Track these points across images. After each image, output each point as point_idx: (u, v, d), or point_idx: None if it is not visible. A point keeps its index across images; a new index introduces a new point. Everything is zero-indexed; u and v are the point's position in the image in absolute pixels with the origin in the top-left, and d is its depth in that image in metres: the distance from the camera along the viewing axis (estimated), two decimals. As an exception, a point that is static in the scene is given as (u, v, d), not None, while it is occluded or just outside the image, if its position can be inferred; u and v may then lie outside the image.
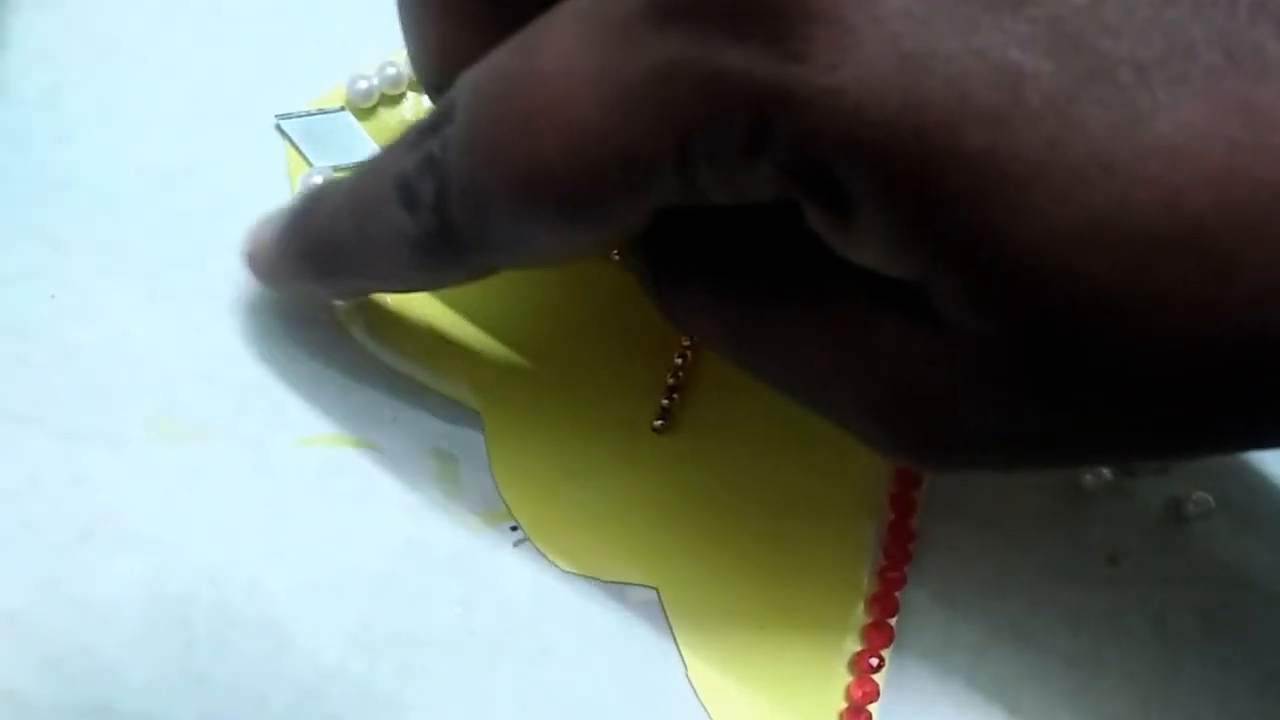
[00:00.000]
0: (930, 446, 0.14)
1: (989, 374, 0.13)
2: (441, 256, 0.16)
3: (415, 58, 0.18)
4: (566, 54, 0.13)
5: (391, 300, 0.20)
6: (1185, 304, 0.12)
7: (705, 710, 0.18)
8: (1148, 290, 0.12)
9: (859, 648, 0.19)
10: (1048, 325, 0.12)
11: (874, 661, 0.19)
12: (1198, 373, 0.12)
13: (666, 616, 0.19)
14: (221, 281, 0.20)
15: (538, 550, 0.19)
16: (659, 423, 0.20)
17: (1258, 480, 0.22)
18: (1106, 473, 0.21)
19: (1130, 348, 0.12)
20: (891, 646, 0.19)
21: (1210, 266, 0.12)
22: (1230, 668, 0.20)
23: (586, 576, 0.19)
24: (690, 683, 0.19)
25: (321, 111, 0.21)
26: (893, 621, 0.19)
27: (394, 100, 0.22)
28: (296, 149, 0.21)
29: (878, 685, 0.19)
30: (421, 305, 0.20)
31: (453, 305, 0.20)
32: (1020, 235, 0.12)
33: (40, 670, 0.17)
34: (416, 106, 0.22)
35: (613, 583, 0.19)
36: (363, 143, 0.21)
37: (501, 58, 0.14)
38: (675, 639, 0.19)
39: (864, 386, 0.14)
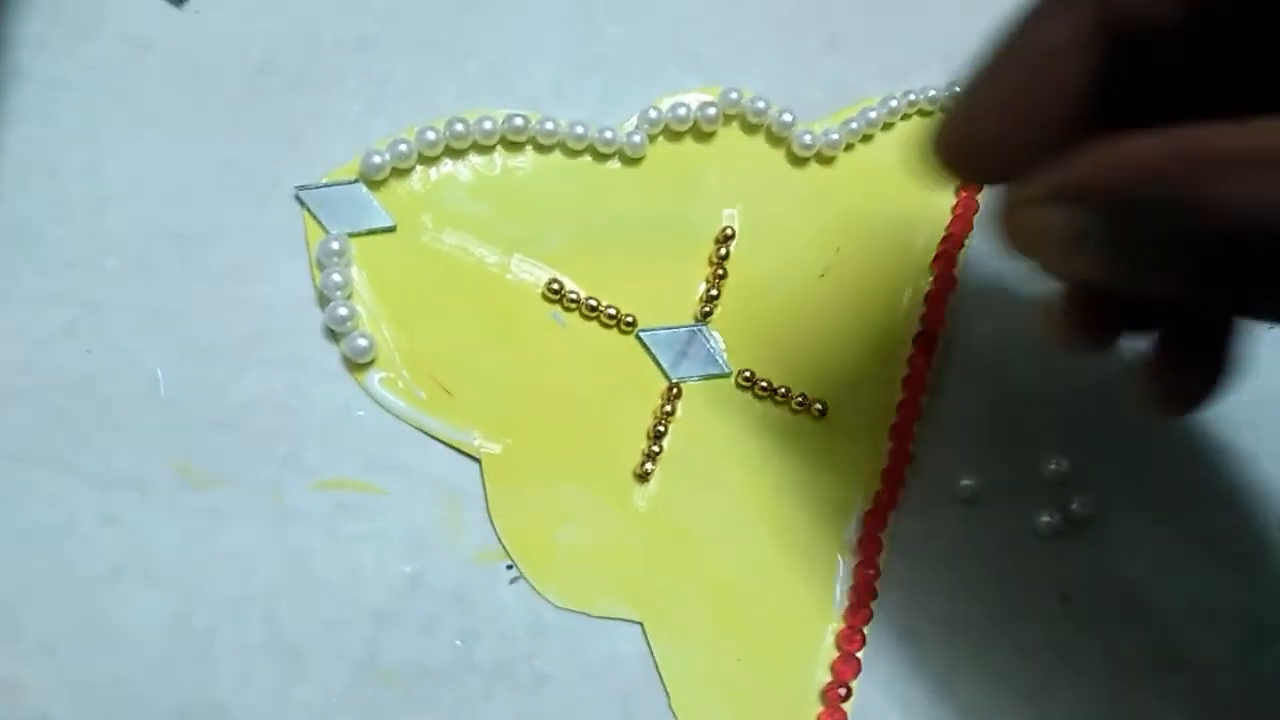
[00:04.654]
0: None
1: None
2: None
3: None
4: None
5: (400, 355, 0.22)
6: None
7: (686, 737, 0.20)
8: None
9: (829, 679, 0.21)
10: None
11: (843, 692, 0.20)
12: None
13: (651, 649, 0.20)
14: (244, 338, 0.22)
15: (532, 587, 0.21)
16: (645, 468, 0.22)
17: (1201, 526, 0.23)
18: (1058, 516, 0.22)
19: None
20: (859, 678, 0.21)
21: None
22: (1174, 698, 0.21)
23: (577, 612, 0.21)
24: (673, 711, 0.20)
25: (337, 183, 0.23)
26: (860, 655, 0.21)
27: (404, 173, 0.24)
28: (314, 218, 0.23)
29: (846, 714, 0.20)
30: (427, 359, 0.22)
31: (455, 359, 0.22)
32: None
33: (74, 697, 0.19)
34: (424, 179, 0.24)
35: (601, 618, 0.21)
36: (375, 212, 0.23)
37: None
38: (659, 670, 0.20)
39: None
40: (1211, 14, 0.15)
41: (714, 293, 0.23)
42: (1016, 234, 0.16)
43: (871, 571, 0.21)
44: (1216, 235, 0.13)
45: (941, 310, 0.24)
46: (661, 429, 0.22)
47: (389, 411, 0.22)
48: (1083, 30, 0.15)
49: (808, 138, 0.25)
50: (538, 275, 0.23)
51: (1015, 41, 0.16)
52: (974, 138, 0.16)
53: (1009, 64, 0.16)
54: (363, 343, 0.22)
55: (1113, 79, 0.15)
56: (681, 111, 0.24)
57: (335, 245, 0.22)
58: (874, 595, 0.21)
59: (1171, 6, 0.15)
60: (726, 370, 0.23)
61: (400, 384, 0.22)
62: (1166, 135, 0.14)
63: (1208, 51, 0.16)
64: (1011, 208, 0.16)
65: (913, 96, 0.26)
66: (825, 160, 0.25)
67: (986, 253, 0.25)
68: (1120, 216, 0.14)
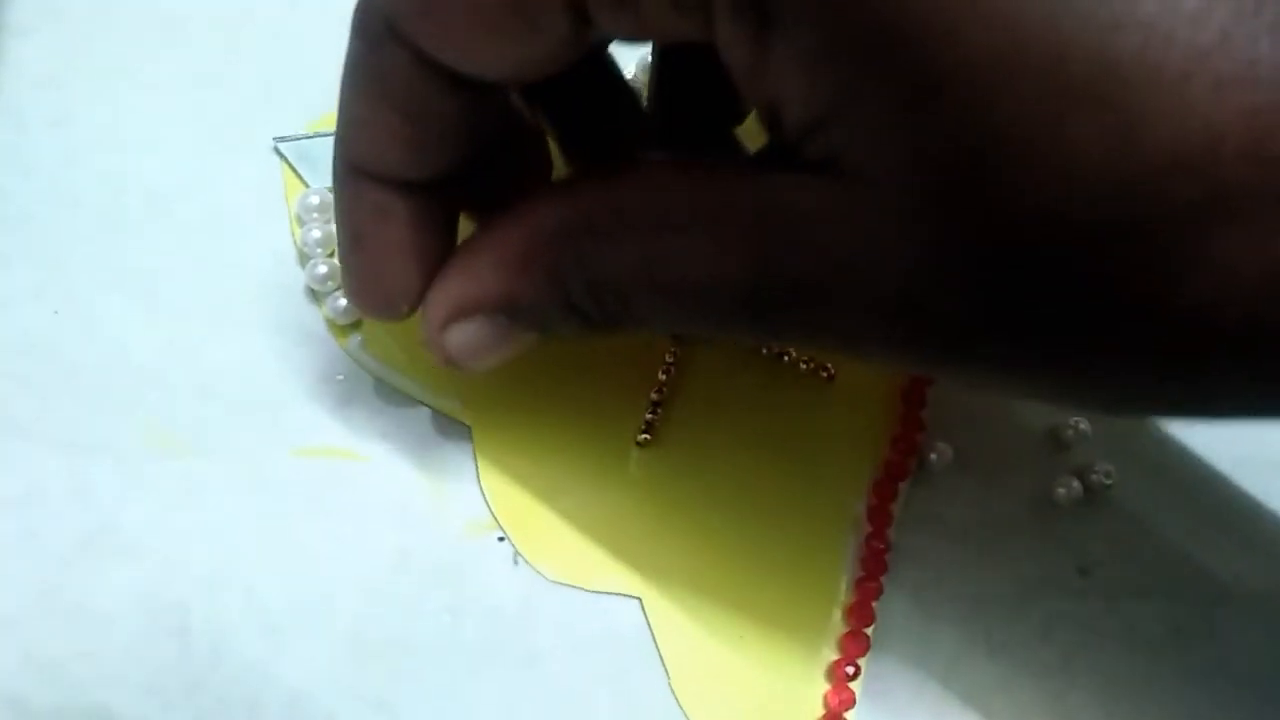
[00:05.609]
0: (823, 323, 0.14)
1: (891, 231, 0.13)
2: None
3: None
4: None
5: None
6: (1098, 154, 0.11)
7: (687, 717, 0.19)
8: (1064, 131, 0.11)
9: (836, 656, 0.20)
10: (968, 157, 0.12)
11: (850, 670, 0.19)
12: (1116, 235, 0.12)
13: (650, 626, 0.20)
14: (219, 298, 0.21)
15: (525, 561, 0.20)
16: (643, 437, 0.21)
17: (1224, 497, 0.22)
18: (1077, 485, 0.21)
19: (1046, 190, 0.12)
20: (868, 655, 0.20)
21: (1118, 119, 0.11)
22: (1197, 677, 0.21)
23: (572, 586, 0.20)
24: (673, 691, 0.19)
25: (318, 134, 0.22)
26: (869, 631, 0.20)
27: (389, 124, 0.23)
28: (294, 170, 0.22)
29: (854, 693, 0.19)
30: (412, 319, 0.21)
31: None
32: (952, 51, 0.12)
33: (41, 675, 0.18)
34: (410, 130, 0.23)
35: (597, 592, 0.20)
36: (358, 165, 0.22)
37: None
38: (658, 648, 0.19)
39: (766, 253, 0.14)
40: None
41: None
42: (446, 353, 0.18)
43: (881, 544, 0.20)
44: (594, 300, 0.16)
45: (956, 270, 0.23)
46: (662, 394, 0.21)
47: (373, 375, 0.21)
48: (392, 204, 0.17)
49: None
50: (530, 232, 0.22)
51: (350, 232, 0.18)
52: (364, 302, 0.18)
53: (357, 250, 0.18)
54: (345, 303, 0.21)
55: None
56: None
57: (315, 200, 0.21)
58: (884, 569, 0.20)
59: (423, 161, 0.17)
60: None
61: (385, 346, 0.21)
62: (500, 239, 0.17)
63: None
64: (429, 339, 0.18)
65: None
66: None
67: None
68: (518, 311, 0.17)
